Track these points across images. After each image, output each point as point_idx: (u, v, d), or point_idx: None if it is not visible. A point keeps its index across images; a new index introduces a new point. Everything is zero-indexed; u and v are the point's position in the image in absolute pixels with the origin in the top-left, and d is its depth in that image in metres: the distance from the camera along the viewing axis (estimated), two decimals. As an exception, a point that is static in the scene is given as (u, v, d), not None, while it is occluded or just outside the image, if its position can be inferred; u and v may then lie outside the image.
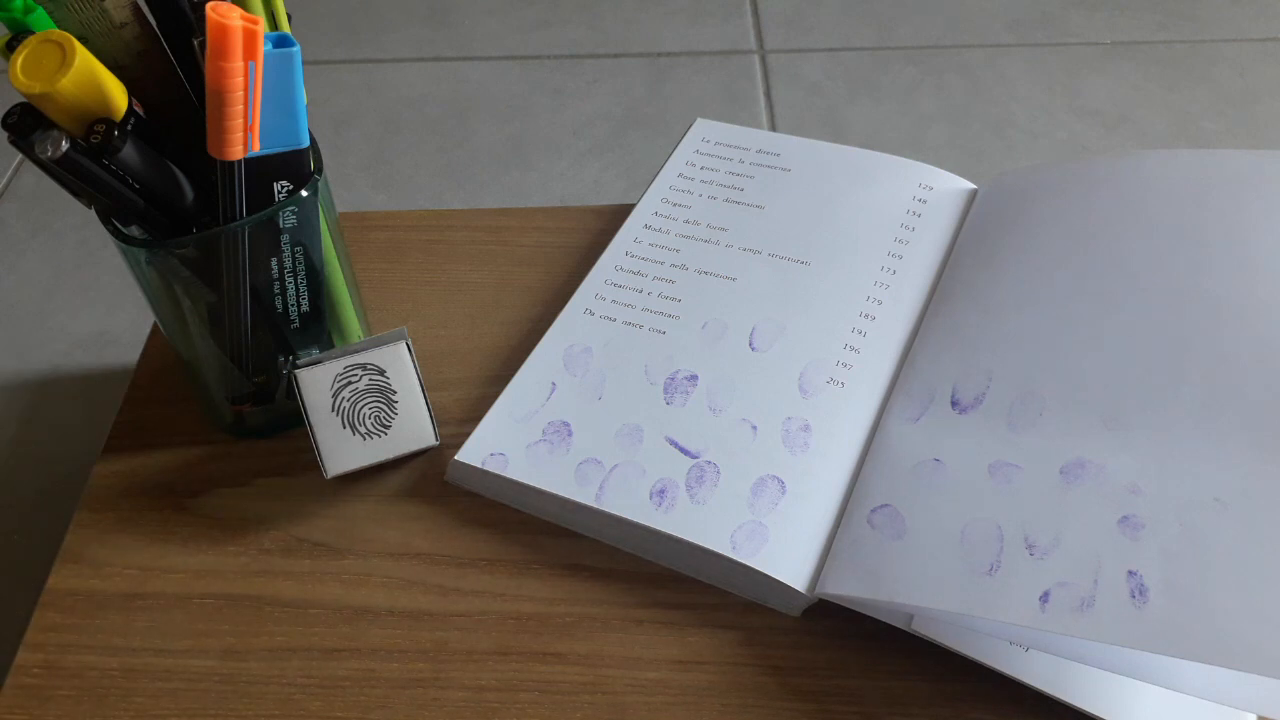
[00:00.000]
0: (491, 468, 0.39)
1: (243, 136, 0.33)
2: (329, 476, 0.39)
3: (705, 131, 0.53)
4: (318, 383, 0.38)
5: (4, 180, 0.72)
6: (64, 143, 0.31)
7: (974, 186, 0.49)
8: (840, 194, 0.49)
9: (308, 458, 0.39)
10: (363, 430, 0.39)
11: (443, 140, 0.75)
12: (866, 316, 0.43)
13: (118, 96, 0.32)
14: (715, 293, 0.45)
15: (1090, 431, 0.35)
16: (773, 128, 0.76)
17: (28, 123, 0.32)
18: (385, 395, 0.39)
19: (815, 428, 0.39)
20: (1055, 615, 0.31)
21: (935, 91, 0.78)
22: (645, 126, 0.76)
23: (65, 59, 0.30)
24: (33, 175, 0.71)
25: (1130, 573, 0.31)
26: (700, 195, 0.49)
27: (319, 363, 0.39)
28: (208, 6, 0.30)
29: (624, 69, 0.81)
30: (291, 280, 0.38)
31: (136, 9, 0.34)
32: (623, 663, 0.35)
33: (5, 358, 0.60)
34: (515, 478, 0.39)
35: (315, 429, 0.38)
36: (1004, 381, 0.38)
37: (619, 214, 0.49)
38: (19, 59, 0.30)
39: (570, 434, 0.40)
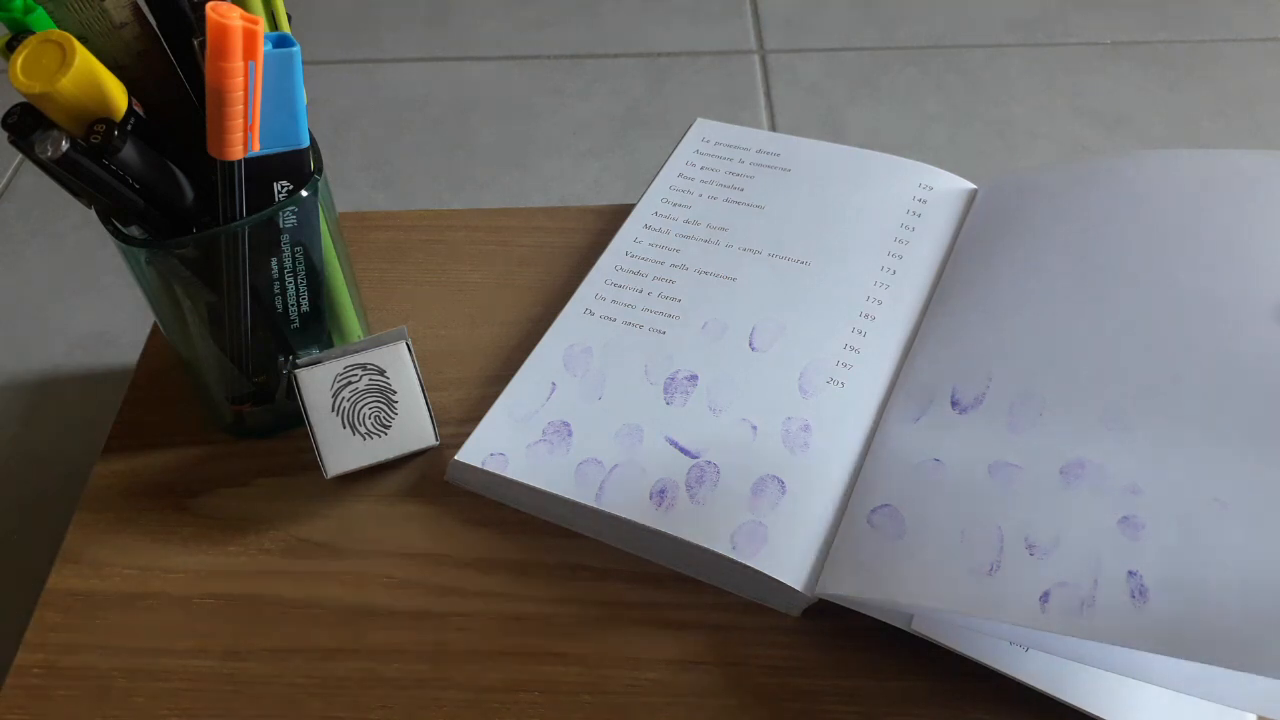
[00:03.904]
0: (491, 468, 0.39)
1: (243, 136, 0.33)
2: (329, 476, 0.39)
3: (705, 131, 0.53)
4: (318, 383, 0.38)
5: (4, 180, 0.72)
6: (64, 143, 0.31)
7: (974, 186, 0.49)
8: (840, 194, 0.49)
9: (308, 458, 0.39)
10: (363, 430, 0.39)
11: (443, 140, 0.75)
12: (866, 316, 0.43)
13: (118, 96, 0.32)
14: (715, 293, 0.45)
15: (1090, 431, 0.35)
16: (773, 128, 0.76)
17: (28, 123, 0.32)
18: (385, 395, 0.39)
19: (815, 428, 0.39)
20: (1055, 615, 0.31)
21: (935, 91, 0.78)
22: (645, 126, 0.76)
23: (65, 59, 0.30)
24: (33, 175, 0.71)
25: (1130, 573, 0.31)
26: (700, 195, 0.49)
27: (319, 363, 0.39)
28: (208, 6, 0.30)
29: (624, 69, 0.81)
30: (291, 280, 0.38)
31: (136, 9, 0.34)
32: (623, 663, 0.35)
33: (5, 358, 0.60)
34: (515, 478, 0.39)
35: (315, 429, 0.38)
36: (1004, 381, 0.38)
37: (619, 214, 0.49)
38: (19, 59, 0.30)
39: (570, 434, 0.40)
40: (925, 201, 0.48)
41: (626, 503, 0.37)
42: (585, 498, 0.38)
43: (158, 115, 0.35)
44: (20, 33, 0.31)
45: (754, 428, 0.39)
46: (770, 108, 0.77)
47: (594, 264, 0.47)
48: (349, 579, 0.38)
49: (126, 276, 0.39)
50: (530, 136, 0.76)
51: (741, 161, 0.51)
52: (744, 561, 0.35)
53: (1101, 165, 0.46)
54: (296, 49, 0.33)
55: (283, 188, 0.36)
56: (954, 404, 0.39)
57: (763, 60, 0.82)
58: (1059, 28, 0.84)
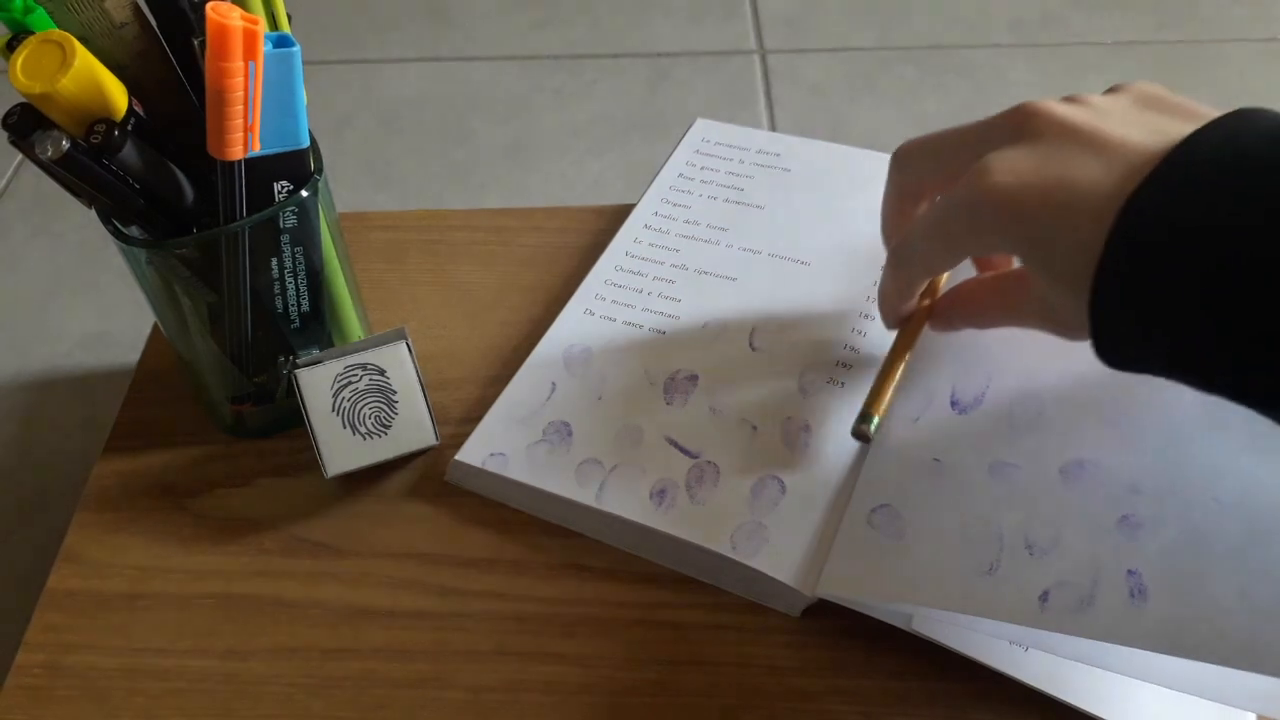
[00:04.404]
0: (491, 468, 0.39)
1: (243, 136, 0.33)
2: (329, 476, 0.39)
3: (705, 131, 0.53)
4: (318, 383, 0.38)
5: (4, 180, 0.72)
6: (64, 143, 0.31)
7: (974, 186, 0.49)
8: (840, 194, 0.49)
9: (308, 458, 0.39)
10: (363, 430, 0.39)
11: (443, 140, 0.75)
12: (866, 316, 0.43)
13: (118, 96, 0.32)
14: (715, 293, 0.45)
15: (1090, 431, 0.35)
16: (773, 128, 0.76)
17: (28, 123, 0.32)
18: (385, 395, 0.39)
19: (815, 428, 0.39)
20: (1055, 615, 0.31)
21: (935, 91, 0.78)
22: (645, 126, 0.76)
23: (65, 59, 0.30)
24: (33, 175, 0.71)
25: (1129, 572, 0.31)
26: (700, 195, 0.49)
27: (319, 363, 0.39)
28: (208, 6, 0.30)
29: (624, 69, 0.81)
30: (291, 280, 0.38)
31: (136, 9, 0.34)
32: (623, 663, 0.35)
33: (5, 358, 0.60)
34: (515, 478, 0.39)
35: (315, 429, 0.38)
36: (1003, 381, 0.38)
37: (619, 214, 0.49)
38: (19, 59, 0.30)
39: (570, 434, 0.40)
40: (925, 201, 0.48)
41: (626, 503, 0.37)
42: (585, 498, 0.38)
43: (158, 115, 0.35)
44: (20, 33, 0.31)
45: (754, 428, 0.39)
46: (770, 108, 0.77)
47: (594, 264, 0.47)
48: (349, 579, 0.38)
49: (126, 276, 0.39)
50: (530, 136, 0.76)
51: (741, 161, 0.51)
52: (744, 561, 0.35)
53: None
54: (296, 49, 0.33)
55: (283, 188, 0.36)
56: (953, 404, 0.39)
57: (763, 60, 0.82)
58: (1059, 28, 0.84)
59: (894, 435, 0.39)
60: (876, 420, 0.38)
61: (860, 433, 0.38)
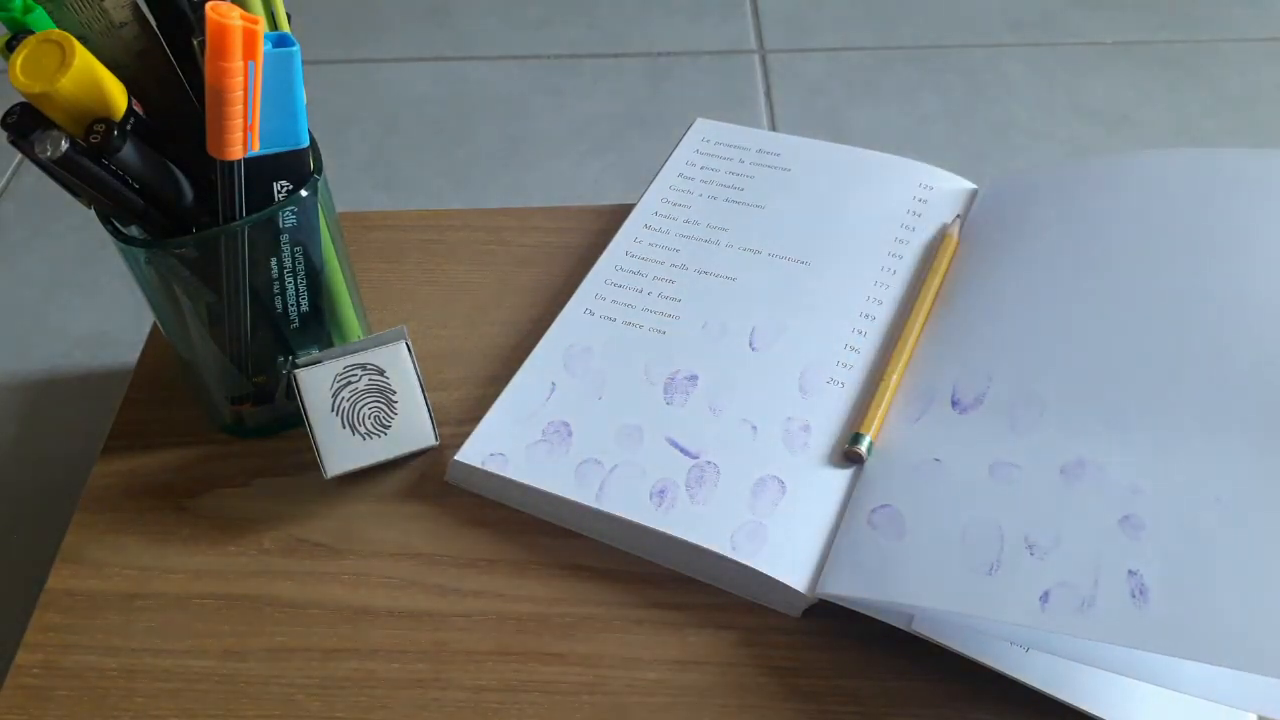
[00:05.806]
0: (491, 468, 0.39)
1: (242, 136, 0.33)
2: (329, 476, 0.38)
3: (705, 131, 0.53)
4: (317, 383, 0.38)
5: (4, 180, 0.72)
6: (63, 143, 0.31)
7: (974, 186, 0.49)
8: (840, 194, 0.49)
9: (308, 458, 0.39)
10: (362, 430, 0.39)
11: (443, 140, 0.75)
12: (866, 316, 0.43)
13: (117, 96, 0.32)
14: (715, 293, 0.45)
15: (1091, 431, 0.35)
16: (773, 128, 0.76)
17: (27, 123, 0.32)
18: (385, 395, 0.39)
19: (815, 428, 0.39)
20: (1056, 615, 0.31)
21: (935, 91, 0.78)
22: (645, 126, 0.76)
23: (65, 59, 0.30)
24: (32, 175, 0.71)
25: (1130, 572, 0.31)
26: (700, 195, 0.49)
27: (318, 363, 0.39)
28: (208, 6, 0.30)
29: (624, 69, 0.81)
30: (291, 280, 0.38)
31: (136, 9, 0.34)
32: (623, 663, 0.35)
33: (5, 358, 0.60)
34: (515, 478, 0.39)
35: (315, 429, 0.38)
36: (1004, 381, 0.38)
37: (619, 214, 0.49)
38: (19, 59, 0.30)
39: (570, 434, 0.40)
40: (925, 201, 0.48)
41: (626, 503, 0.37)
42: (585, 498, 0.38)
43: (158, 115, 0.35)
44: (20, 33, 0.31)
45: (754, 428, 0.39)
46: (770, 108, 0.77)
47: (594, 264, 0.46)
48: (349, 579, 0.38)
49: (126, 276, 0.39)
50: (530, 136, 0.75)
51: (741, 161, 0.51)
52: (744, 561, 0.35)
53: (1101, 165, 0.46)
54: (296, 49, 0.33)
55: (282, 188, 0.36)
56: (954, 404, 0.39)
57: (763, 60, 0.82)
58: (1059, 28, 0.84)
59: (894, 435, 0.39)
60: (868, 440, 0.38)
61: (852, 454, 0.38)
